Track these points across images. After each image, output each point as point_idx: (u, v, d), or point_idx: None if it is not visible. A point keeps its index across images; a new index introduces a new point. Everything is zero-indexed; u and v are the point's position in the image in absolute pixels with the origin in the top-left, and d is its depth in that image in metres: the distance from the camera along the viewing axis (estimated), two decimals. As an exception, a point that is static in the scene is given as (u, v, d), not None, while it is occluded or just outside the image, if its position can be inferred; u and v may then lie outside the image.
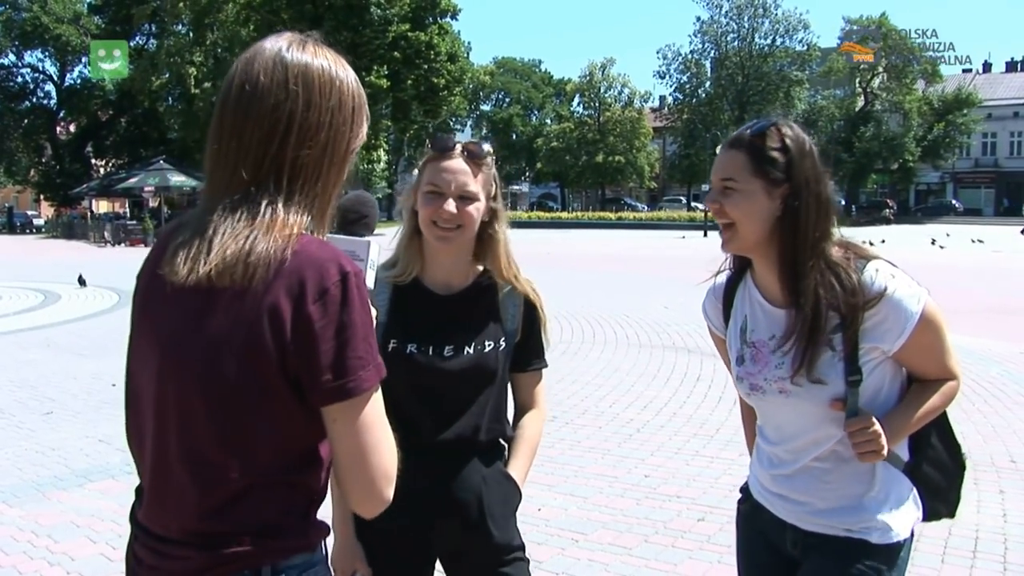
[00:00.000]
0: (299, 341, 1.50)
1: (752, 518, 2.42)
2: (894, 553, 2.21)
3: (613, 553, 4.79)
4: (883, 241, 36.57)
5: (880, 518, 2.19)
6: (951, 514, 2.34)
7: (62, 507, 5.57)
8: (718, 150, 2.20)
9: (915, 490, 2.26)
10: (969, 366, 9.93)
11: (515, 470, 2.52)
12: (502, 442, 2.53)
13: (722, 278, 2.38)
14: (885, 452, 2.09)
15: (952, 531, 5.03)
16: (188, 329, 1.56)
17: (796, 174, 2.10)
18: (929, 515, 2.30)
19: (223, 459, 1.55)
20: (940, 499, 2.30)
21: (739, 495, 2.51)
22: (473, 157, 2.37)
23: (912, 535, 2.27)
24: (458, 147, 2.36)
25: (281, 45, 1.65)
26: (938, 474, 2.28)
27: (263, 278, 1.51)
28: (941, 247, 34.09)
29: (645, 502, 5.44)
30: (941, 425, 2.29)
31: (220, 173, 1.63)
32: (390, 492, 1.60)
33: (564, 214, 66.24)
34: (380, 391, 1.59)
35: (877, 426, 2.07)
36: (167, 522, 1.60)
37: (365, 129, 1.74)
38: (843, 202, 65.81)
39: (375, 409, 1.57)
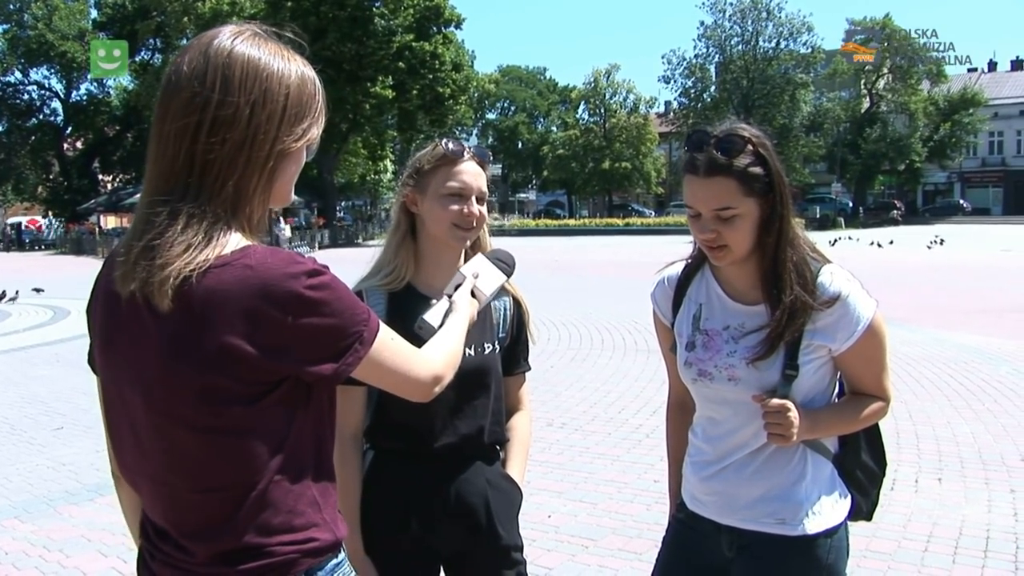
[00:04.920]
0: (290, 347, 1.51)
1: (684, 535, 2.44)
2: (829, 541, 2.26)
3: (623, 559, 4.79)
4: (891, 242, 36.57)
5: (812, 506, 2.25)
6: (869, 516, 2.42)
7: (73, 522, 5.59)
8: (690, 176, 2.16)
9: (842, 481, 2.33)
10: (979, 365, 9.93)
11: (513, 471, 2.57)
12: (497, 445, 2.57)
13: (675, 269, 2.46)
14: (792, 440, 2.14)
15: (963, 531, 5.04)
16: (158, 362, 1.52)
17: (776, 182, 2.16)
18: (853, 513, 2.35)
19: (223, 481, 1.55)
20: (863, 496, 2.37)
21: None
22: (482, 159, 2.48)
23: (847, 524, 2.32)
24: (467, 151, 2.45)
25: (216, 34, 1.57)
26: (861, 473, 2.36)
27: (207, 305, 1.47)
28: (928, 247, 33.92)
29: (655, 507, 5.43)
30: (870, 427, 2.36)
31: (148, 171, 1.58)
32: (439, 388, 1.77)
33: (571, 221, 65.98)
34: (382, 329, 1.63)
35: (794, 412, 2.12)
36: (190, 544, 1.59)
37: (311, 130, 1.62)
38: (851, 204, 65.73)
39: (388, 346, 1.64)
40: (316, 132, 1.64)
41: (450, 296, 2.09)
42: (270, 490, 1.56)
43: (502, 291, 2.55)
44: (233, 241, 1.52)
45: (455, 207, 2.40)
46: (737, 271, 2.27)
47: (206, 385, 1.49)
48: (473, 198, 2.42)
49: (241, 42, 1.56)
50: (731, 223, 2.14)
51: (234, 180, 1.53)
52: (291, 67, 1.58)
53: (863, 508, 2.38)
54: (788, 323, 2.15)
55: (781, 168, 2.19)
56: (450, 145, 2.44)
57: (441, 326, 1.96)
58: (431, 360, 1.75)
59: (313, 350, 1.53)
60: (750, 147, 2.13)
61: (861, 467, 2.36)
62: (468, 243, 2.48)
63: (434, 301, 2.08)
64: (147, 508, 1.67)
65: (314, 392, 1.60)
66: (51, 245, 55.54)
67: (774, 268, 2.18)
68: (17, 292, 19.90)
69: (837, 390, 2.35)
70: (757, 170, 2.13)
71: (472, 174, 2.43)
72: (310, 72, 1.63)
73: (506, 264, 2.29)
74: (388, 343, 1.64)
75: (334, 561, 1.65)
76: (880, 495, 2.44)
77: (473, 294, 2.13)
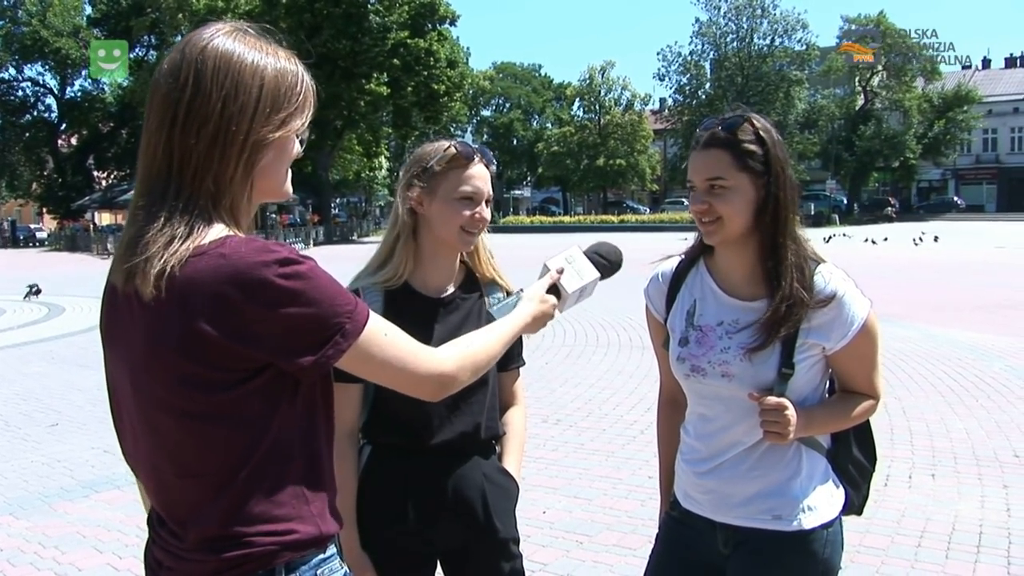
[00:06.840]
0: (261, 336, 1.51)
1: (678, 532, 2.44)
2: (825, 535, 2.27)
3: (618, 555, 4.80)
4: (885, 239, 36.60)
5: (807, 501, 2.26)
6: (860, 510, 2.44)
7: (68, 518, 5.58)
8: (693, 152, 2.25)
9: (835, 475, 2.34)
10: (972, 362, 9.95)
11: (509, 465, 2.58)
12: (493, 440, 2.58)
13: (670, 265, 2.48)
14: (789, 438, 2.16)
15: (956, 526, 5.06)
16: (142, 349, 1.55)
17: (773, 162, 2.19)
18: (846, 507, 2.36)
19: (204, 467, 1.56)
20: (855, 490, 2.39)
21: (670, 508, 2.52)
22: (488, 161, 2.48)
23: (841, 518, 2.34)
24: (477, 154, 2.45)
25: (198, 32, 1.60)
26: (853, 468, 2.38)
27: (183, 293, 1.48)
28: (915, 243, 34.02)
29: (649, 503, 5.44)
30: (860, 423, 2.37)
31: (138, 167, 1.61)
32: (448, 388, 1.73)
33: (566, 218, 65.95)
34: (373, 320, 1.62)
35: (791, 411, 2.14)
36: (179, 530, 1.61)
37: (291, 121, 1.62)
38: (845, 201, 65.75)
39: (379, 340, 1.62)
40: (298, 123, 1.64)
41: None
42: (252, 479, 1.56)
43: (495, 287, 2.56)
44: (214, 232, 1.54)
45: (467, 212, 2.40)
46: (734, 264, 2.28)
47: (185, 371, 1.51)
48: (484, 202, 2.43)
49: (218, 37, 1.57)
50: (722, 196, 2.17)
51: (212, 173, 1.55)
52: (267, 60, 1.59)
53: (855, 502, 2.40)
54: (786, 314, 2.16)
55: (784, 155, 2.22)
56: (462, 148, 2.43)
57: None
58: (438, 358, 1.72)
59: (287, 340, 1.52)
60: (750, 127, 2.18)
61: (853, 462, 2.37)
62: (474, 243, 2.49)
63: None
64: (147, 494, 1.70)
65: (303, 384, 1.59)
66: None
67: (774, 255, 2.19)
68: (38, 288, 20.05)
69: (827, 388, 2.36)
70: (753, 147, 2.17)
71: (483, 178, 2.43)
72: (293, 66, 1.63)
73: (604, 260, 2.20)
74: (380, 337, 1.62)
75: (320, 556, 1.64)
76: (871, 489, 2.45)
77: (558, 291, 2.07)
